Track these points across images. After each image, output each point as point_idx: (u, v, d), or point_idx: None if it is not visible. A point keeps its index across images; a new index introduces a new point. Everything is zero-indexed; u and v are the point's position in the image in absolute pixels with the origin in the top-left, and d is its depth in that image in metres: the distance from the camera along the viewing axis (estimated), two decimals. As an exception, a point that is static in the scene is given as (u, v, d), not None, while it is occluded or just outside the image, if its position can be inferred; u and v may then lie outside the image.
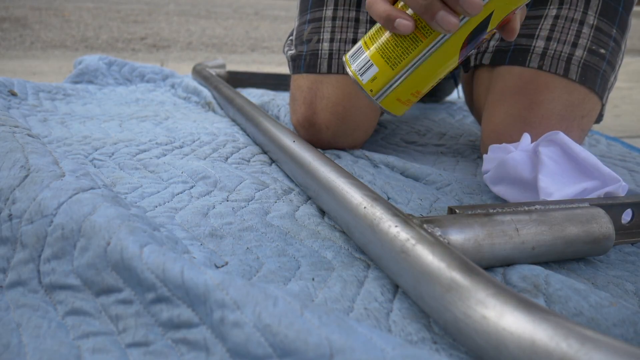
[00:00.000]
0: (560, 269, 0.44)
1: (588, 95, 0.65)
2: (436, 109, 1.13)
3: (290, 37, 0.79)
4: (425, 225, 0.38)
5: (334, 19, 0.72)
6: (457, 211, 0.43)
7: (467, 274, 0.30)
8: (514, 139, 0.64)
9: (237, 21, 4.02)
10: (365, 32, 0.71)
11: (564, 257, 0.43)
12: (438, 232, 0.38)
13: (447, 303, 0.30)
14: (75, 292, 0.34)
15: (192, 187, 0.56)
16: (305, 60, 0.73)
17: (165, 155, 0.67)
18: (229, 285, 0.29)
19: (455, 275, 0.30)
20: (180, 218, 0.48)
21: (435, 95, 1.19)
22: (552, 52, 0.65)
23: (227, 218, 0.49)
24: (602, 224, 0.43)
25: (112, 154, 0.66)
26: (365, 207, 0.40)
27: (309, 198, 0.56)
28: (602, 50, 0.65)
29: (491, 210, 0.43)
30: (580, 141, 0.67)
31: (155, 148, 0.69)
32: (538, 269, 0.39)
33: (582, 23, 0.66)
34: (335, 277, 0.40)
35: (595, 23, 0.66)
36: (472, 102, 0.83)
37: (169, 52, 2.40)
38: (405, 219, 0.38)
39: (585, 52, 0.65)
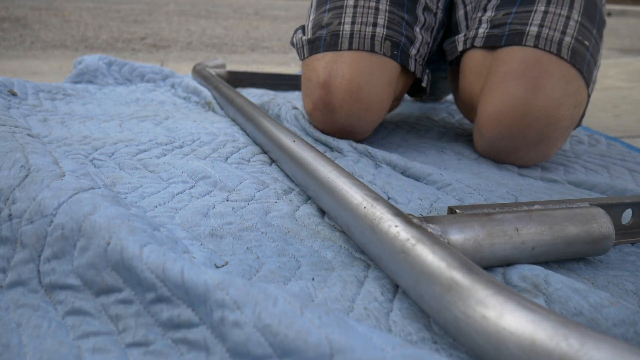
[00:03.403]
0: (560, 268, 0.44)
1: (580, 87, 0.70)
2: (436, 109, 1.13)
3: (300, 29, 0.82)
4: (425, 225, 0.38)
5: (355, 7, 0.77)
6: (457, 211, 0.43)
7: (467, 273, 0.30)
8: (514, 120, 0.68)
9: (237, 21, 4.02)
10: (385, 20, 0.76)
11: (564, 257, 0.43)
12: (438, 232, 0.38)
13: (447, 303, 0.30)
14: (75, 292, 0.34)
15: (192, 187, 0.56)
16: (326, 41, 0.75)
17: (165, 155, 0.67)
18: (229, 285, 0.29)
19: (455, 275, 0.30)
20: (180, 218, 0.48)
21: (434, 94, 1.19)
22: (545, 35, 0.70)
23: (227, 218, 0.49)
24: (602, 224, 0.43)
25: (112, 153, 0.66)
26: (365, 207, 0.40)
27: (309, 198, 0.56)
28: (586, 42, 0.71)
29: (491, 210, 0.43)
30: (568, 131, 0.72)
31: (155, 148, 0.69)
32: (538, 268, 0.39)
33: (568, 18, 0.71)
34: (335, 277, 0.40)
35: (579, 19, 0.71)
36: (459, 95, 0.84)
37: (169, 52, 2.40)
38: (405, 218, 0.38)
39: (573, 40, 0.70)
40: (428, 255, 0.33)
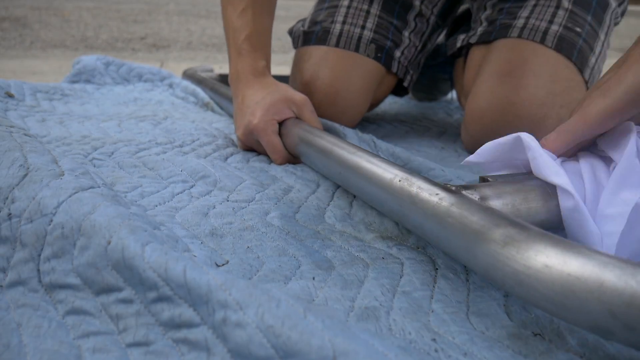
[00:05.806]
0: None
1: (571, 86, 0.70)
2: (434, 109, 1.13)
3: (302, 21, 0.88)
4: (464, 192, 0.39)
5: (348, 7, 0.83)
6: (490, 179, 0.43)
7: (521, 228, 0.30)
8: (495, 118, 0.70)
9: (237, 21, 4.01)
10: (373, 24, 0.81)
11: None
12: (477, 197, 0.38)
13: (505, 258, 0.30)
14: (76, 291, 0.34)
15: (192, 186, 0.56)
16: (317, 35, 0.82)
17: (166, 152, 0.67)
18: (232, 285, 0.29)
19: (510, 231, 0.30)
20: (181, 217, 0.48)
21: (432, 94, 1.19)
22: (531, 25, 0.72)
23: (227, 218, 0.49)
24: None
25: (112, 153, 0.66)
26: (400, 180, 0.41)
27: (308, 198, 0.55)
28: (578, 29, 0.72)
29: (520, 178, 0.43)
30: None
31: (155, 147, 0.69)
32: None
33: (557, 7, 0.73)
34: (336, 276, 0.39)
35: (570, 8, 0.73)
36: (463, 92, 0.87)
37: (169, 52, 2.40)
38: (444, 187, 0.38)
39: (560, 28, 0.71)
40: (476, 216, 0.33)
